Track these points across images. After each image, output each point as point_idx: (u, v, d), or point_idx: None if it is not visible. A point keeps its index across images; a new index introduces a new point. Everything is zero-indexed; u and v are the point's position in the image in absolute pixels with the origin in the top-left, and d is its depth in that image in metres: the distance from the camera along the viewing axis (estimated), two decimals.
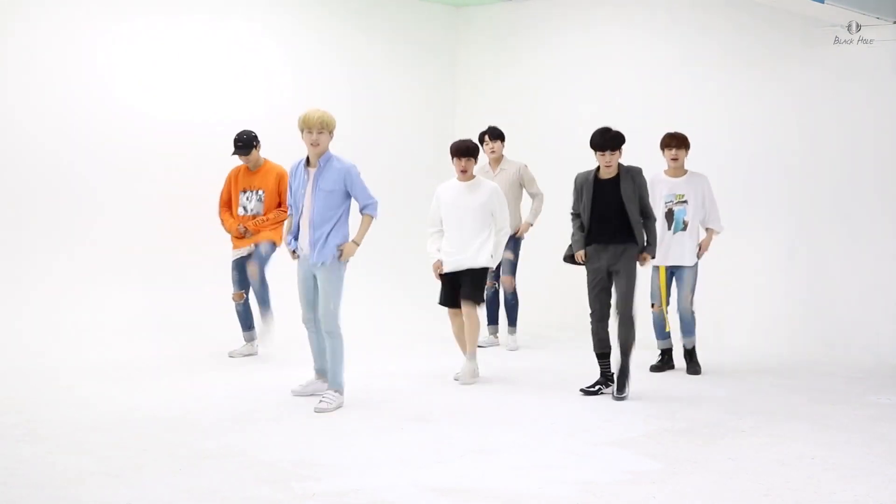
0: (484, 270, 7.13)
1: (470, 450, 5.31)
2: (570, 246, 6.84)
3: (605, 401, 6.60)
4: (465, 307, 7.07)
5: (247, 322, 8.01)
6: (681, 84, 9.35)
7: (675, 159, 7.52)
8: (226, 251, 8.19)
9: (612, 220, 6.63)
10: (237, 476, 4.75)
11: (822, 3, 7.45)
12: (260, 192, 7.79)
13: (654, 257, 6.76)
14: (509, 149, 8.77)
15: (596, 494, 4.57)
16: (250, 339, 8.02)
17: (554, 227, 9.02)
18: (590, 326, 6.81)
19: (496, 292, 8.80)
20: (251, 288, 7.95)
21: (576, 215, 6.83)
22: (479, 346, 8.14)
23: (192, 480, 4.67)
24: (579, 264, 6.80)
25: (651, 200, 7.16)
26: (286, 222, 6.65)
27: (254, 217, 7.81)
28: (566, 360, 8.08)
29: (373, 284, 9.57)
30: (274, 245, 7.80)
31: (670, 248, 7.51)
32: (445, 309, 7.23)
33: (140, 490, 4.52)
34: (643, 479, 4.80)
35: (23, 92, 7.97)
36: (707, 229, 7.62)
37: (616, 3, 9.86)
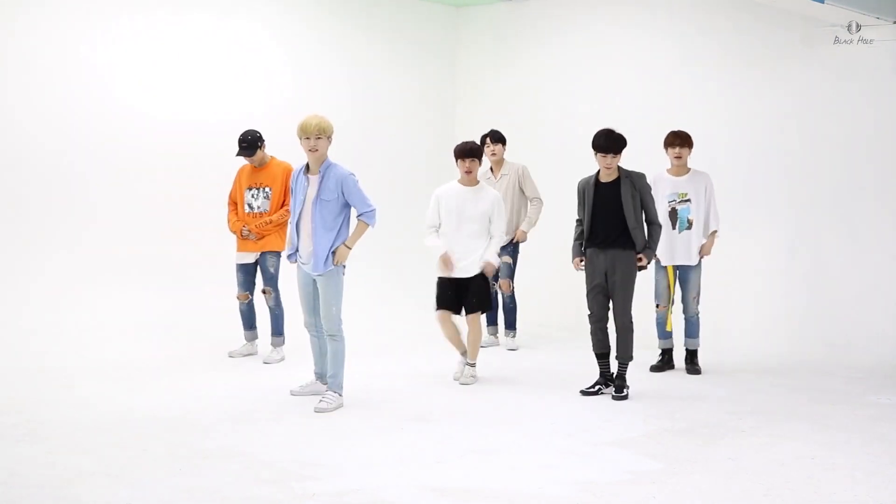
0: (487, 278, 7.16)
1: (470, 450, 5.31)
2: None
3: (605, 401, 6.60)
4: (473, 317, 7.10)
5: (249, 321, 7.99)
6: (681, 84, 9.35)
7: (678, 157, 7.52)
8: (227, 251, 8.20)
9: (611, 223, 6.63)
10: (237, 476, 4.75)
11: (822, 3, 7.45)
12: (267, 189, 7.76)
13: (649, 262, 6.74)
14: (509, 149, 8.77)
15: (596, 494, 4.57)
16: (251, 338, 8.01)
17: (554, 227, 9.03)
18: (589, 327, 6.82)
19: (495, 293, 8.81)
20: (269, 309, 7.92)
21: (579, 222, 6.84)
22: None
23: (192, 480, 4.67)
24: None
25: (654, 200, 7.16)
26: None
27: (261, 215, 7.78)
28: (566, 360, 8.08)
29: (373, 285, 9.57)
30: (279, 254, 7.77)
31: (677, 247, 7.51)
32: (436, 311, 7.20)
33: (140, 490, 4.52)
34: (643, 479, 4.81)
35: (23, 92, 7.98)
36: (712, 233, 7.60)
37: (616, 3, 9.86)
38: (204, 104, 8.96)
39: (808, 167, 8.66)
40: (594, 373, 6.94)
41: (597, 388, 6.77)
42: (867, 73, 8.36)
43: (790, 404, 6.54)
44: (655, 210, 6.75)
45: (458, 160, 7.12)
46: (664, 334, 7.69)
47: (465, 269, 7.04)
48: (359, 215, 6.24)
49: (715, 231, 7.60)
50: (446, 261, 7.01)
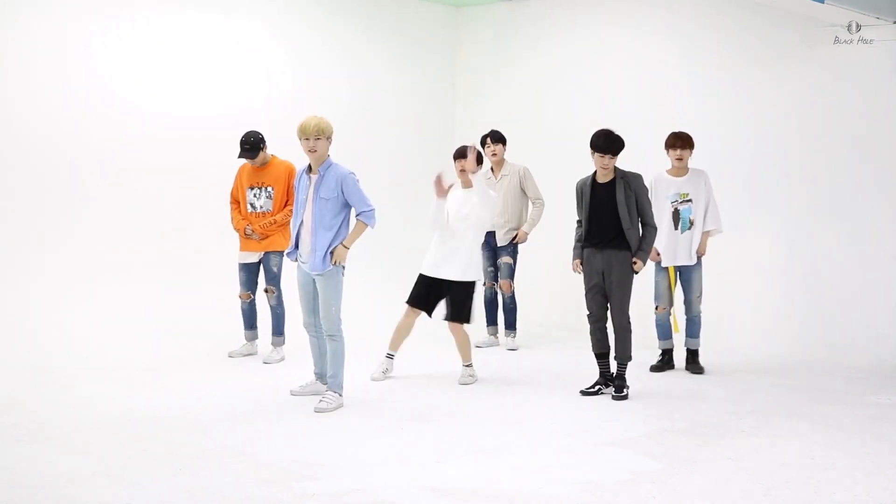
0: (469, 285, 7.05)
1: (470, 450, 5.31)
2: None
3: (605, 401, 6.60)
4: (454, 326, 7.08)
5: (250, 321, 7.99)
6: (681, 84, 9.35)
7: (679, 159, 7.52)
8: (226, 251, 8.20)
9: (607, 224, 6.63)
10: (237, 476, 4.75)
11: (822, 3, 7.45)
12: (269, 188, 7.74)
13: (644, 264, 6.74)
14: (509, 149, 8.76)
15: (596, 494, 4.57)
16: (251, 338, 8.01)
17: (554, 227, 9.03)
18: (588, 327, 6.83)
19: (495, 294, 8.81)
20: (271, 308, 7.92)
21: (580, 223, 6.84)
22: (477, 347, 8.17)
23: (192, 480, 4.67)
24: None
25: (654, 200, 7.16)
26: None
27: (263, 215, 7.77)
28: (566, 360, 8.08)
29: (373, 285, 9.57)
30: (283, 254, 7.75)
31: (679, 247, 7.51)
32: (406, 304, 7.19)
33: (140, 490, 4.52)
34: (643, 479, 4.81)
35: (23, 90, 7.97)
36: (704, 232, 7.59)
37: (616, 3, 9.86)
38: (204, 104, 8.96)
39: (808, 167, 8.66)
40: (594, 373, 6.94)
41: (597, 388, 6.77)
42: (867, 73, 8.36)
43: (790, 404, 6.54)
44: (651, 212, 6.74)
45: (454, 162, 7.14)
46: (664, 334, 7.69)
47: (446, 270, 7.01)
48: (357, 215, 6.24)
49: (709, 231, 7.59)
50: (438, 179, 6.91)
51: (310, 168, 6.26)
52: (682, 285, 7.65)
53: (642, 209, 6.66)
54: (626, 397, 6.62)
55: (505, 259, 8.53)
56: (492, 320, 8.87)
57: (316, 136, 6.11)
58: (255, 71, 9.34)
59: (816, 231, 8.61)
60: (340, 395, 6.25)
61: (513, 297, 8.69)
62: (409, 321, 7.18)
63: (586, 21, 10.09)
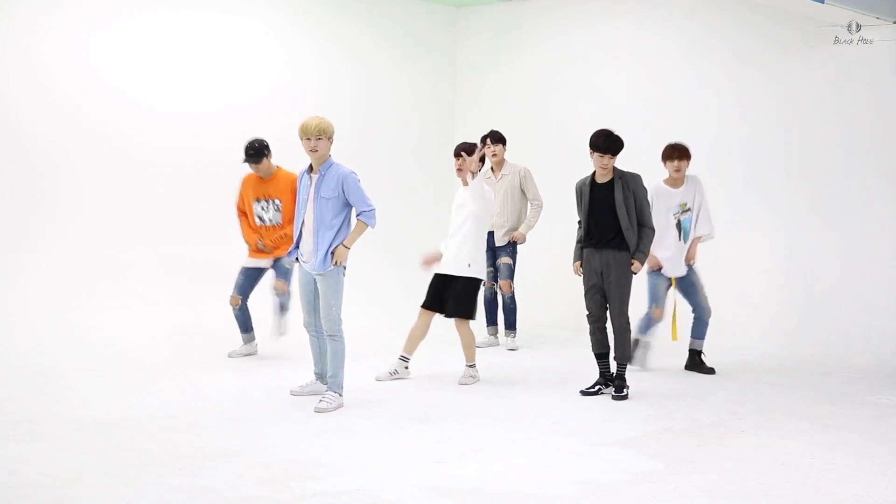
0: (473, 282, 7.07)
1: (470, 450, 5.31)
2: None
3: (605, 401, 6.60)
4: (457, 322, 7.11)
5: (245, 325, 7.97)
6: (681, 84, 9.35)
7: (678, 170, 7.51)
8: (226, 250, 8.20)
9: (605, 224, 6.63)
10: (237, 476, 4.75)
11: (822, 3, 7.45)
12: (276, 201, 7.69)
13: (642, 265, 6.73)
14: (509, 149, 8.76)
15: (596, 494, 4.57)
16: (249, 340, 8.00)
17: (554, 227, 9.04)
18: (588, 327, 6.83)
19: (495, 294, 8.82)
20: (278, 301, 7.90)
21: (580, 223, 6.84)
22: (477, 347, 8.17)
23: (192, 480, 4.67)
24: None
25: (656, 214, 7.16)
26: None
27: (273, 228, 7.74)
28: (566, 360, 8.08)
29: (372, 285, 9.58)
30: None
31: (682, 258, 7.50)
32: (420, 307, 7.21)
33: (140, 490, 4.52)
34: (643, 479, 4.80)
35: (22, 89, 7.98)
36: (695, 238, 7.57)
37: (616, 3, 9.86)
38: (204, 103, 8.97)
39: (808, 167, 8.66)
40: (594, 373, 6.94)
41: (597, 388, 6.77)
42: (867, 73, 8.36)
43: (790, 404, 6.54)
44: (649, 213, 6.73)
45: (455, 158, 7.14)
46: (646, 327, 7.64)
47: (450, 266, 7.05)
48: (358, 215, 6.24)
49: (700, 236, 7.57)
50: (426, 258, 7.20)
51: (311, 168, 6.28)
52: (686, 290, 7.61)
53: (641, 210, 6.66)
54: (626, 397, 6.62)
55: (504, 259, 8.53)
56: (492, 320, 8.88)
57: (317, 135, 6.12)
58: (256, 70, 9.34)
59: (816, 231, 8.61)
60: (340, 395, 6.25)
61: (513, 298, 8.69)
62: (421, 323, 7.18)
63: (586, 21, 10.10)
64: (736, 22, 9.03)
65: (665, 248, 7.45)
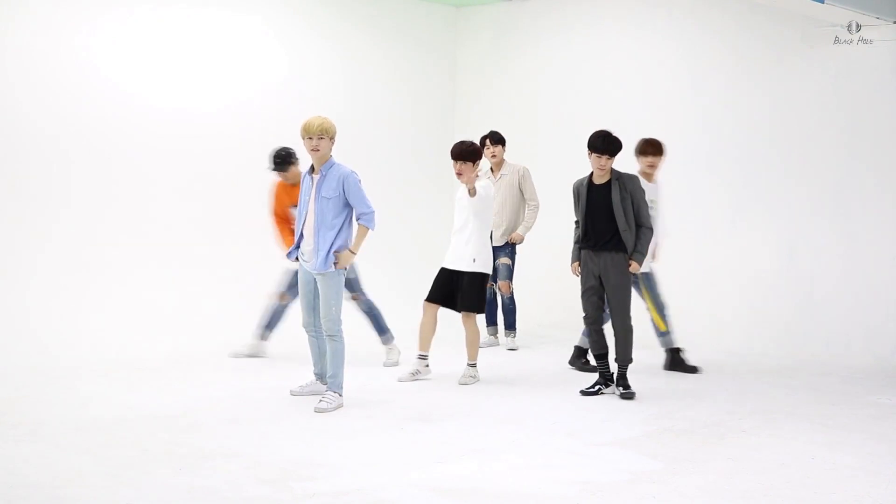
0: (479, 276, 7.07)
1: (470, 450, 5.31)
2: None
3: (605, 401, 6.60)
4: (465, 317, 7.12)
5: (273, 322, 7.83)
6: (680, 84, 9.35)
7: (652, 166, 7.51)
8: (226, 250, 8.19)
9: (603, 225, 6.62)
10: (237, 476, 4.75)
11: (822, 3, 7.45)
12: None
13: (640, 265, 6.71)
14: (509, 149, 8.76)
15: (596, 494, 4.57)
16: (264, 337, 7.88)
17: (553, 227, 9.03)
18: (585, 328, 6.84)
19: (494, 294, 8.81)
20: (275, 309, 7.81)
21: (578, 223, 6.84)
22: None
23: (192, 480, 4.67)
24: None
25: None
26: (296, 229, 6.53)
27: None
28: (566, 360, 8.07)
29: (372, 284, 9.55)
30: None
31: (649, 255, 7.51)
32: (424, 301, 7.21)
33: (140, 490, 4.52)
34: (643, 479, 4.81)
35: (22, 87, 7.96)
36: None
37: (616, 2, 9.86)
38: (204, 103, 8.95)
39: (808, 167, 8.66)
40: (594, 373, 6.93)
41: (597, 388, 6.77)
42: (867, 73, 8.36)
43: (790, 404, 6.54)
44: (647, 213, 6.73)
45: (453, 161, 7.11)
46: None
47: (455, 261, 7.07)
48: (357, 218, 6.25)
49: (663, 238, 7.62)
50: None
51: (312, 169, 6.28)
52: (653, 288, 7.58)
53: (638, 211, 6.65)
54: (633, 395, 6.60)
55: (503, 260, 8.53)
56: (491, 320, 8.88)
57: (319, 135, 6.13)
58: (255, 70, 9.33)
59: (816, 231, 8.61)
60: (340, 395, 6.25)
61: (512, 298, 8.69)
62: (429, 318, 7.18)
63: (586, 21, 10.09)
64: (736, 22, 9.03)
65: None
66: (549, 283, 9.68)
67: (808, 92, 8.64)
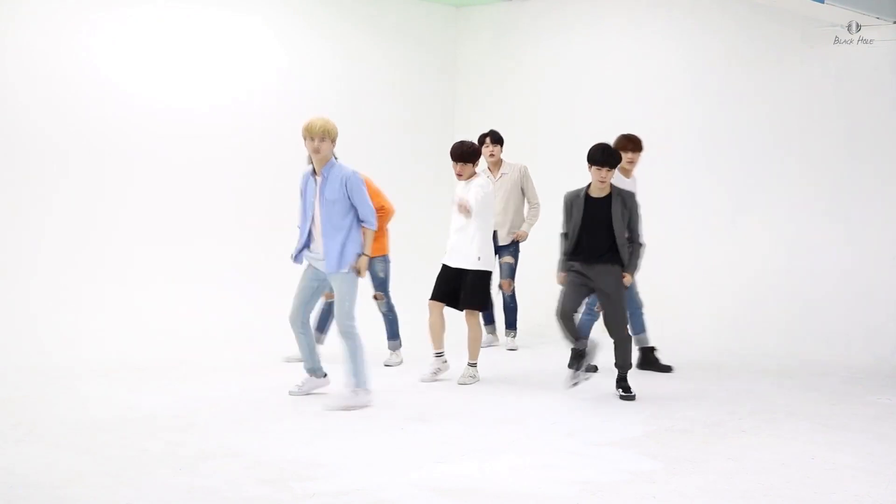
0: (482, 274, 7.08)
1: (470, 450, 5.31)
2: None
3: (605, 401, 6.60)
4: (468, 315, 7.11)
5: (322, 324, 7.66)
6: (681, 84, 9.35)
7: (631, 162, 7.51)
8: (226, 250, 8.19)
9: (599, 239, 6.59)
10: (237, 476, 4.75)
11: (822, 3, 7.45)
12: None
13: (633, 279, 6.74)
14: (509, 149, 8.76)
15: (596, 494, 4.57)
16: (319, 341, 7.55)
17: (554, 227, 9.00)
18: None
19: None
20: (382, 316, 7.78)
21: (565, 235, 6.81)
22: None
23: (192, 480, 4.67)
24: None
25: None
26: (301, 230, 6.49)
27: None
28: (566, 359, 8.04)
29: (369, 285, 9.56)
30: (385, 258, 7.62)
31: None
32: (429, 300, 7.21)
33: (140, 490, 4.52)
34: (643, 479, 4.81)
35: (21, 86, 7.97)
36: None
37: (616, 3, 9.87)
38: (203, 102, 8.96)
39: (808, 167, 8.66)
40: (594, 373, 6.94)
41: (576, 375, 6.66)
42: (867, 73, 8.36)
43: (790, 404, 6.54)
44: (641, 230, 6.70)
45: (452, 162, 7.12)
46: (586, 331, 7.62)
47: (458, 260, 7.07)
48: (361, 220, 6.26)
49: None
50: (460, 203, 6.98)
51: (314, 170, 6.28)
52: (630, 288, 7.54)
53: (633, 227, 6.64)
54: (633, 397, 6.60)
55: (506, 259, 8.52)
56: (491, 320, 8.87)
57: (321, 136, 6.13)
58: (255, 69, 9.34)
59: (816, 231, 8.61)
60: (368, 393, 6.25)
61: (513, 297, 8.69)
62: (436, 316, 7.18)
63: (586, 21, 10.10)
64: (736, 22, 9.03)
65: None
66: (549, 283, 9.64)
67: (808, 92, 8.64)
